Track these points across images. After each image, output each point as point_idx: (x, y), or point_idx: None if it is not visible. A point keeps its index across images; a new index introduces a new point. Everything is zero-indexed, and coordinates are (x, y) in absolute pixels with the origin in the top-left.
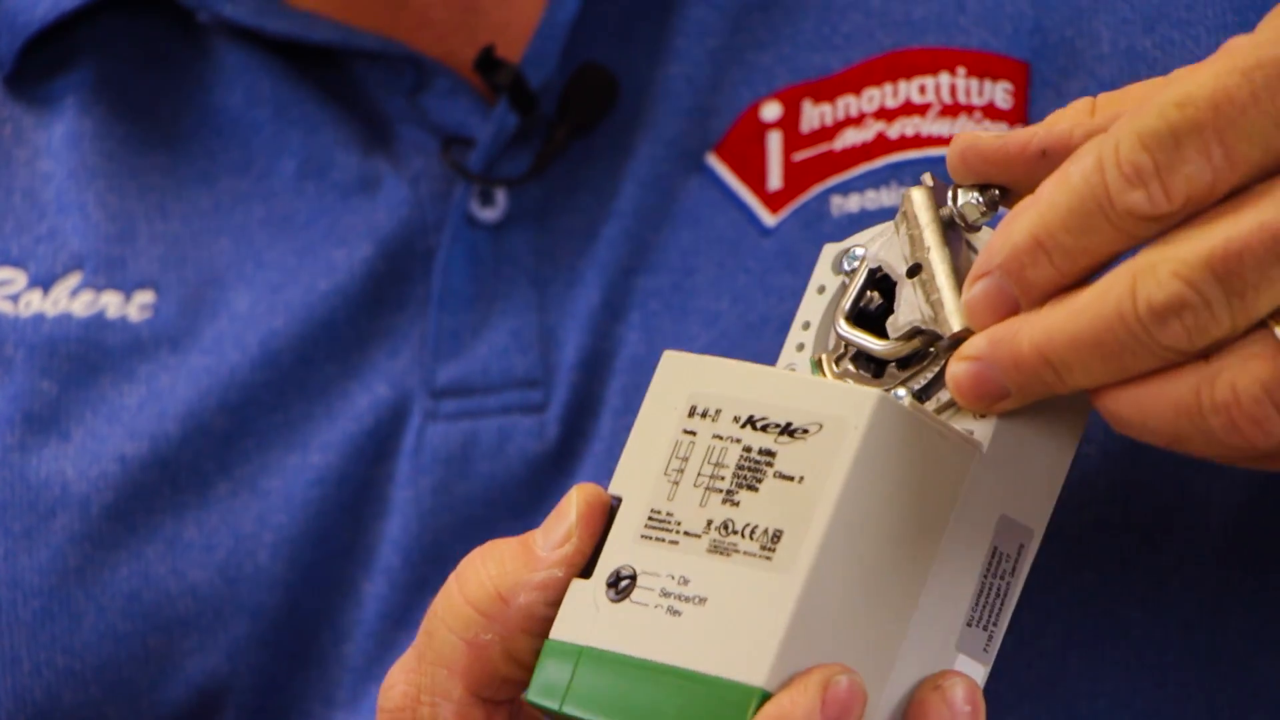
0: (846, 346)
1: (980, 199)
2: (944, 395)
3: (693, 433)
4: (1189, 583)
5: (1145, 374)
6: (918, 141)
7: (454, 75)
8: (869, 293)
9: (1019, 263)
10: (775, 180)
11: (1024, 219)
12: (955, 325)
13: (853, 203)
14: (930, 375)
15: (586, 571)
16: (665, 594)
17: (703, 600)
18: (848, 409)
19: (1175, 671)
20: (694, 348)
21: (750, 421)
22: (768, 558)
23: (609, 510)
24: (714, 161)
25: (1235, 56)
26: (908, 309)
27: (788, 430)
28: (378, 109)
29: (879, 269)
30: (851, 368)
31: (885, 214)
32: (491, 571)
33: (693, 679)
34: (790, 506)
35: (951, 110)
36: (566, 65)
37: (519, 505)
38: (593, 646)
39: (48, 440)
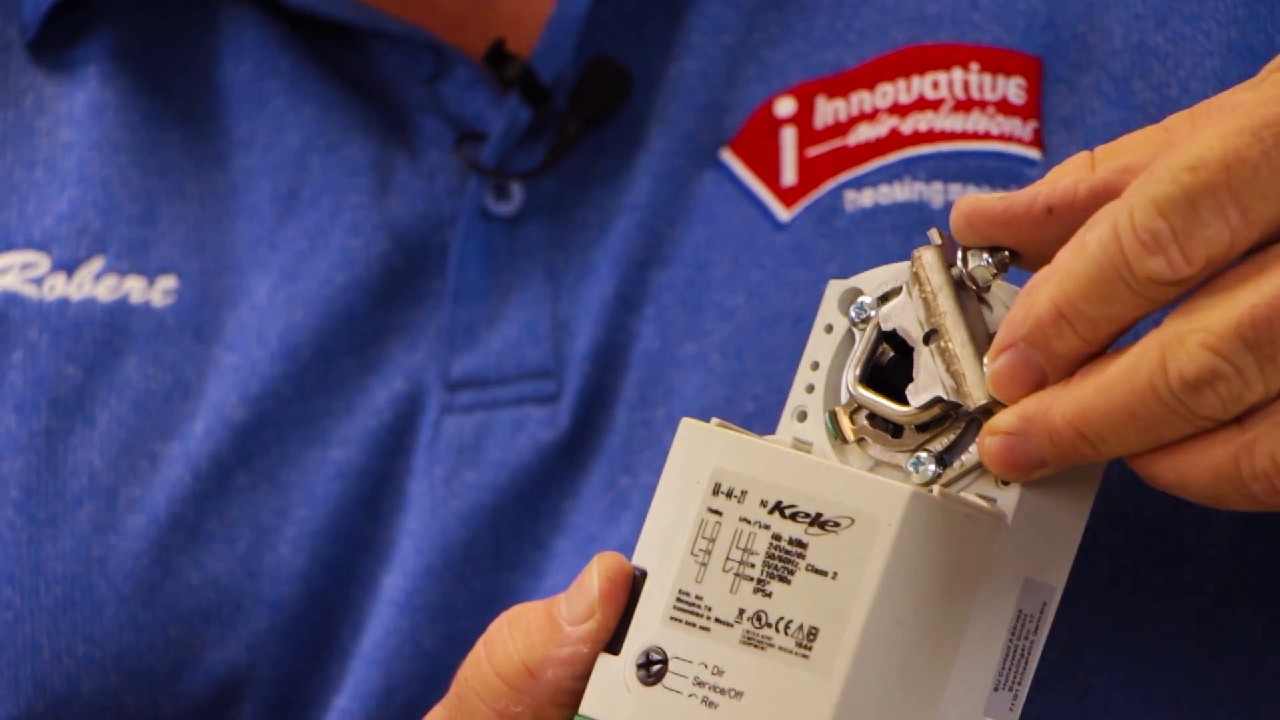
0: (862, 400)
1: (990, 260)
2: (966, 458)
3: (718, 512)
4: (1201, 573)
5: (1181, 440)
6: (931, 136)
7: (472, 65)
8: (881, 345)
9: (1043, 334)
10: (789, 175)
11: (1044, 290)
12: (981, 398)
13: (866, 197)
14: (951, 438)
15: (614, 645)
16: (699, 683)
17: (739, 694)
18: (880, 506)
19: (1189, 661)
20: (709, 342)
21: (779, 508)
22: (804, 655)
23: (632, 581)
24: (728, 157)
25: (1241, 115)
26: (928, 379)
27: (818, 522)
28: (395, 95)
29: (890, 331)
30: (868, 424)
31: (898, 209)
32: (519, 644)
33: None
34: (825, 603)
35: (965, 106)
36: (579, 59)
37: (530, 494)
38: None
39: (73, 425)
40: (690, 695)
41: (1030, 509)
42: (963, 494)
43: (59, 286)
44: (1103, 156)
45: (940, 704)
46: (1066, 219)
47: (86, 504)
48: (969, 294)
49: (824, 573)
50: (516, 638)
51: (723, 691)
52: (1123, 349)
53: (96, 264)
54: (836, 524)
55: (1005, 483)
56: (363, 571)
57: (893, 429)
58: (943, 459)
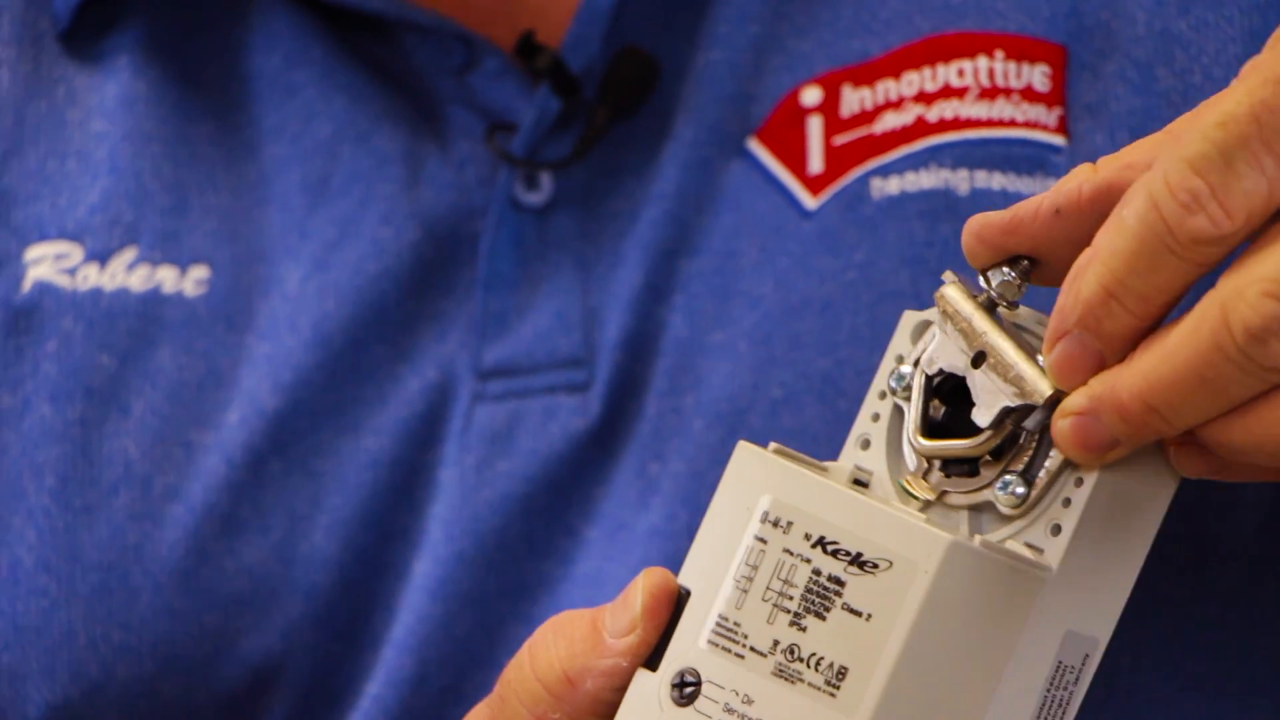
0: (930, 460)
1: (1013, 274)
2: (1050, 463)
3: (764, 540)
4: (1230, 554)
5: (1251, 400)
6: (956, 124)
7: (502, 55)
8: (933, 403)
9: (1094, 316)
10: (816, 164)
11: (1090, 272)
12: (1046, 389)
13: (893, 185)
14: (1028, 458)
15: (652, 662)
16: (729, 710)
17: None
18: (919, 552)
19: (1217, 643)
20: (737, 330)
21: (822, 543)
22: (832, 694)
23: (676, 598)
24: (755, 146)
25: (1264, 69)
26: (989, 397)
27: (858, 561)
28: (425, 86)
29: (936, 374)
30: (943, 476)
31: (924, 196)
32: (561, 652)
33: None
34: (856, 643)
35: (990, 93)
36: (607, 49)
37: (561, 482)
38: None
39: (108, 414)
40: None
41: (1078, 560)
42: (1009, 543)
43: (92, 276)
44: (1105, 163)
45: None
46: (1074, 218)
47: (122, 492)
48: (998, 317)
49: (859, 613)
50: (559, 645)
51: None
52: (1180, 317)
53: (129, 254)
54: (875, 565)
55: (1078, 480)
56: (395, 559)
57: (968, 468)
58: (1027, 476)
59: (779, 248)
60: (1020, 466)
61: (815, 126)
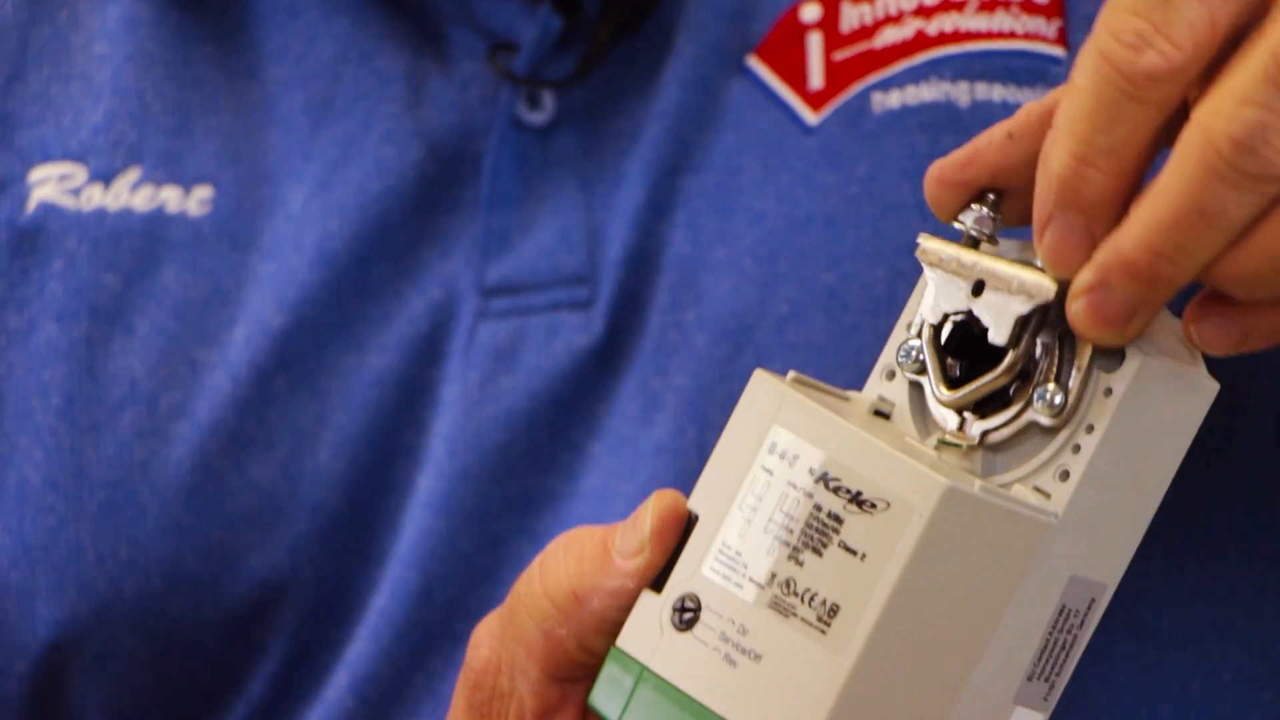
0: (962, 412)
1: (984, 208)
2: (1079, 361)
3: (770, 471)
4: (1235, 461)
5: (1255, 221)
6: (956, 37)
7: None
8: (948, 362)
9: (1071, 189)
10: (816, 80)
11: (1055, 148)
12: (1051, 284)
13: (893, 99)
14: (1055, 366)
15: (659, 584)
16: (725, 638)
17: (758, 657)
18: (916, 495)
19: (1222, 547)
20: (740, 246)
21: (824, 479)
22: (823, 631)
23: (684, 523)
24: (755, 63)
25: None
26: (998, 315)
27: (857, 500)
28: (427, 8)
29: (942, 323)
30: (977, 418)
31: (926, 109)
32: (570, 569)
33: None
34: (850, 582)
35: (989, 5)
36: None
37: (565, 398)
38: (653, 670)
39: (113, 333)
40: (714, 649)
41: (1084, 509)
42: (1016, 488)
43: (96, 197)
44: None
45: (964, 690)
46: (1027, 139)
47: (128, 410)
48: (984, 250)
49: (854, 552)
50: (569, 562)
51: (744, 651)
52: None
53: (133, 174)
54: (874, 505)
55: (1089, 428)
56: (400, 475)
57: (1002, 399)
58: (1060, 382)
59: (781, 164)
60: (1050, 378)
61: (815, 42)
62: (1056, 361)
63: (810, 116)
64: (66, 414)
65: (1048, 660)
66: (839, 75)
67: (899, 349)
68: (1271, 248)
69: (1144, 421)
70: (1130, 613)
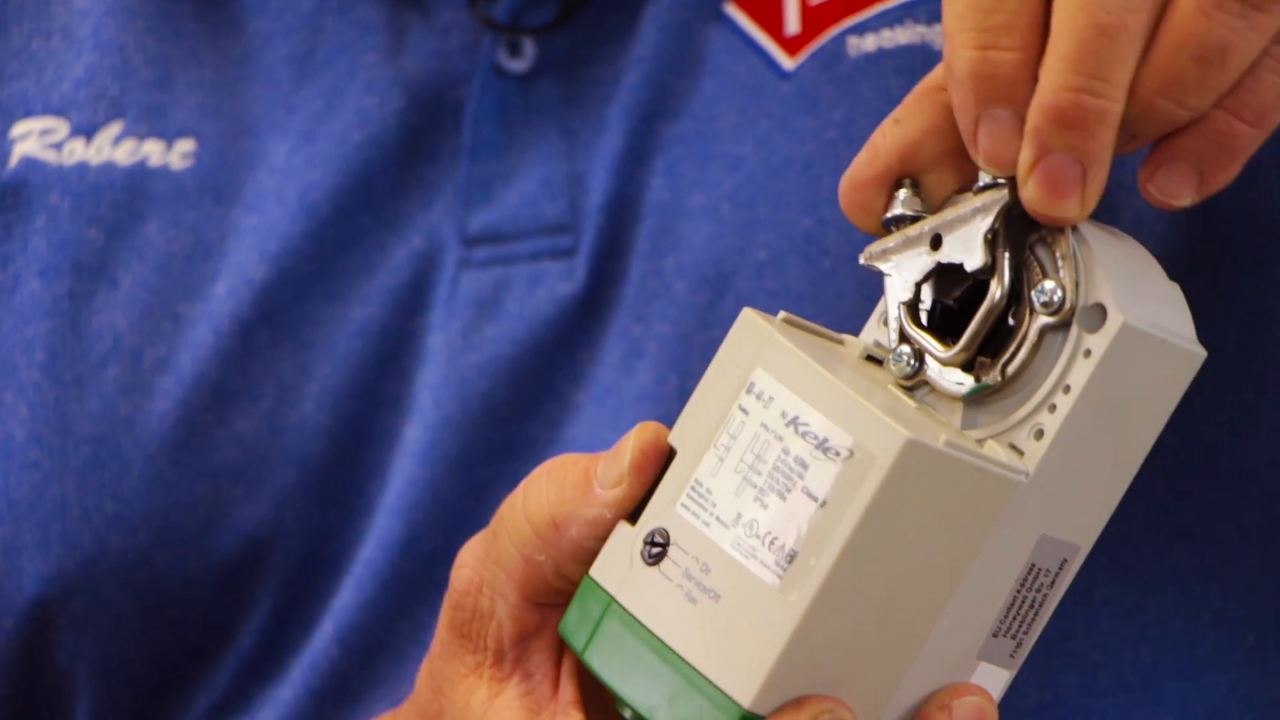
0: (972, 366)
1: (906, 191)
2: (1061, 250)
3: (746, 411)
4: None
5: (1158, 24)
6: None
7: None
8: (919, 305)
9: (985, 79)
10: (793, 25)
11: (956, 54)
12: (1005, 189)
13: (869, 42)
14: (1040, 266)
15: (635, 516)
16: (688, 576)
17: (717, 597)
18: (878, 445)
19: (1204, 490)
20: (719, 192)
21: (794, 423)
22: (779, 574)
23: (664, 456)
24: (732, 10)
25: None
26: (966, 244)
27: (822, 446)
28: None
29: (915, 298)
30: (988, 360)
31: (901, 51)
32: (551, 496)
33: (691, 674)
34: (809, 529)
35: None
36: None
37: (548, 347)
38: (619, 603)
39: (96, 288)
40: (678, 586)
41: (1057, 470)
42: (988, 444)
43: (78, 151)
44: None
45: (923, 646)
46: (914, 117)
47: (112, 365)
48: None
49: (816, 498)
50: (551, 489)
51: (704, 590)
52: None
53: (115, 128)
54: (838, 453)
55: (1066, 388)
56: (384, 426)
57: (1003, 335)
58: (1054, 276)
59: (758, 109)
60: (1040, 280)
61: None
62: (1039, 263)
63: (787, 62)
64: (50, 369)
65: (1014, 618)
66: (815, 20)
67: (889, 359)
68: (1179, 41)
69: (1124, 385)
70: (1111, 556)
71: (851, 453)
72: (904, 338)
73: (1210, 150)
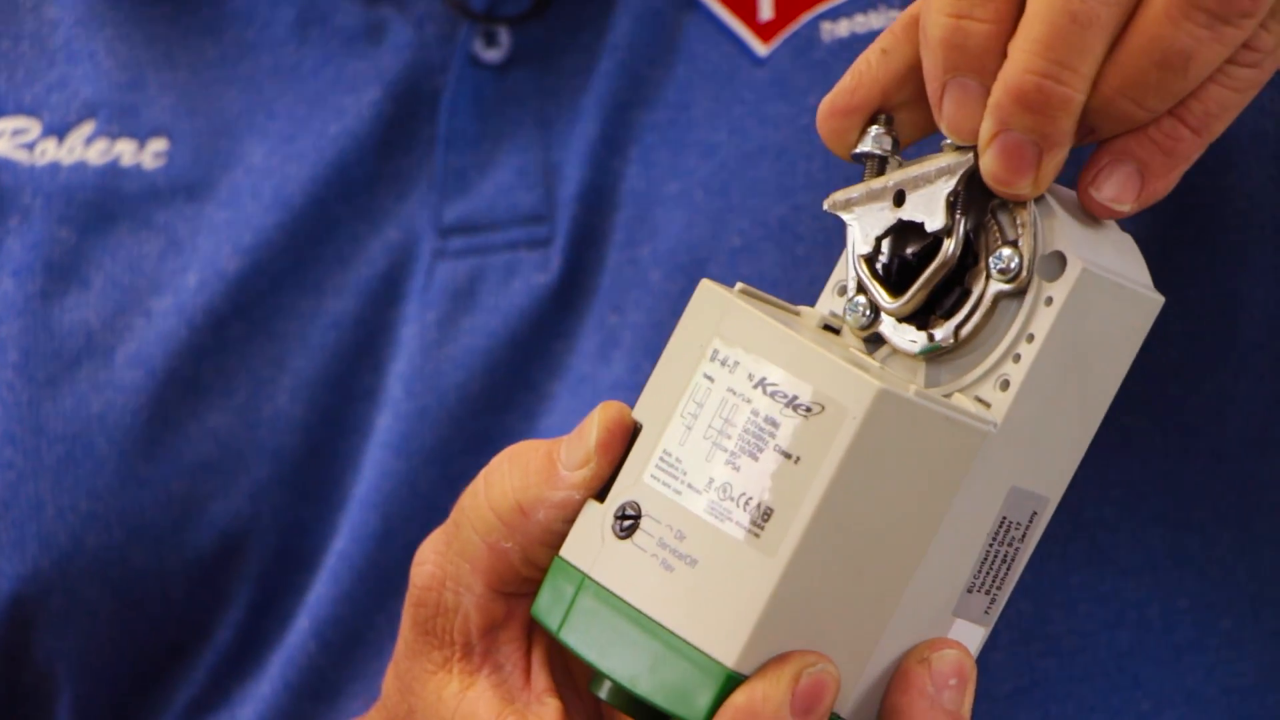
0: (925, 325)
1: (879, 127)
2: (1021, 217)
3: (711, 379)
4: (1189, 390)
5: (1129, 20)
6: None
7: None
8: (878, 266)
9: (955, 47)
10: (766, 11)
11: (930, 19)
12: (968, 152)
13: (842, 28)
14: (997, 231)
15: (603, 494)
16: (663, 544)
17: (694, 562)
18: (849, 397)
19: (1180, 475)
20: (693, 179)
21: (762, 384)
22: (756, 534)
23: (629, 433)
24: None
25: None
26: (927, 204)
27: (793, 404)
28: None
29: (875, 251)
30: (942, 320)
31: (875, 36)
32: (515, 482)
33: (672, 640)
34: (784, 485)
35: None
36: None
37: (524, 337)
38: (593, 578)
39: (69, 288)
40: (653, 555)
41: (1024, 420)
42: (956, 397)
43: (50, 151)
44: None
45: (901, 599)
46: (900, 49)
47: (85, 364)
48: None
49: (789, 455)
50: (514, 475)
51: (680, 556)
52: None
53: (87, 128)
54: (809, 409)
55: (1029, 336)
56: (359, 417)
57: (957, 292)
58: (1008, 241)
59: (732, 96)
60: (999, 245)
61: None
62: (998, 229)
63: (760, 48)
64: (23, 369)
65: (988, 572)
66: (788, 6)
67: (845, 308)
68: (1145, 44)
69: (1086, 331)
70: (1088, 541)
71: (823, 407)
72: (860, 288)
73: (1153, 155)
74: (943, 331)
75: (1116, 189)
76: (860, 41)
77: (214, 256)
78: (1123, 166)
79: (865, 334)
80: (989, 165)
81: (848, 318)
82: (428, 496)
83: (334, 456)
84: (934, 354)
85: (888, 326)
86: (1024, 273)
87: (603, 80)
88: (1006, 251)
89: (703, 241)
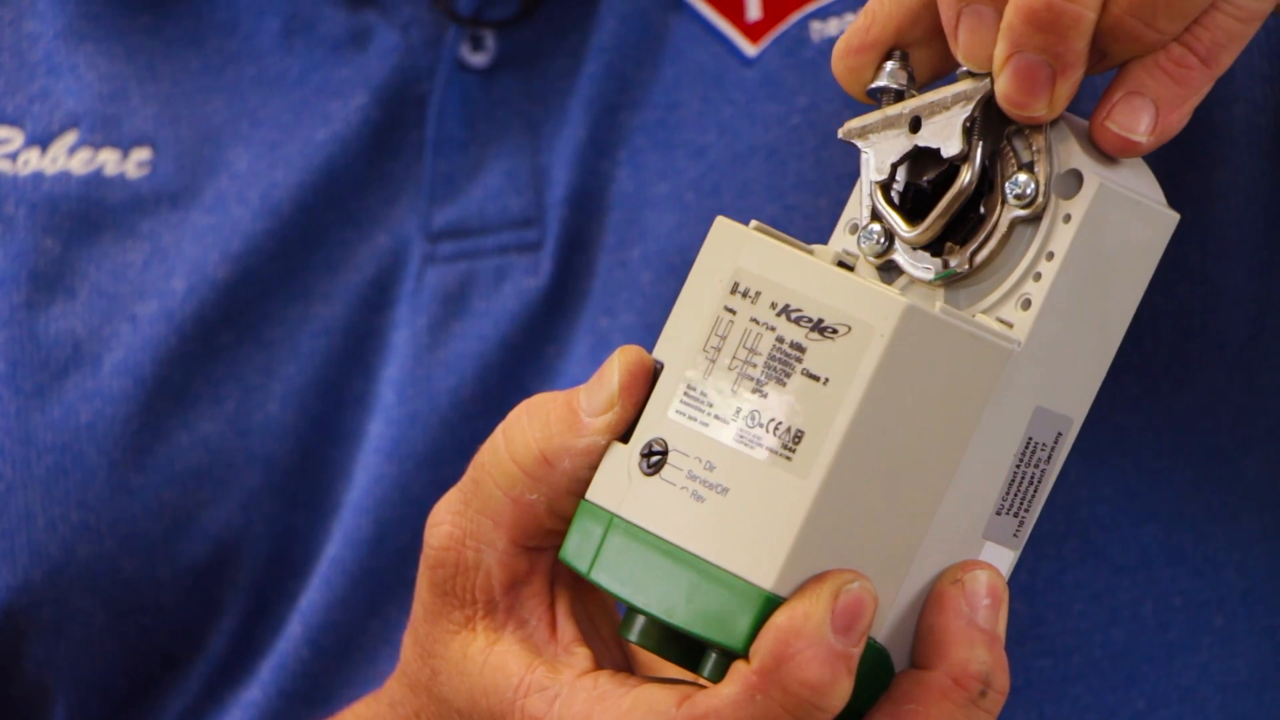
0: (941, 252)
1: (894, 64)
2: (1037, 144)
3: (733, 311)
4: (1185, 386)
5: None
6: None
7: None
8: (893, 194)
9: None
10: (754, 11)
11: None
12: (985, 79)
13: (831, 27)
14: (1013, 159)
15: (627, 436)
16: (692, 476)
17: (725, 490)
18: (876, 315)
19: (1174, 473)
20: (683, 181)
21: (786, 311)
22: (788, 458)
23: (651, 374)
24: None
25: None
26: (944, 130)
27: (819, 327)
28: None
29: (890, 179)
30: (958, 246)
31: None
32: (537, 433)
33: (707, 568)
34: (813, 407)
35: None
36: None
37: (515, 341)
38: (622, 516)
39: (54, 298)
40: (682, 488)
41: (1047, 338)
42: (978, 317)
43: (33, 161)
44: None
45: (932, 520)
46: None
47: (72, 373)
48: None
49: (817, 378)
50: (535, 426)
51: (711, 486)
52: None
53: (70, 138)
54: (835, 330)
55: (1049, 254)
56: (350, 424)
57: (974, 223)
58: (1025, 168)
59: (721, 97)
60: (1014, 171)
61: None
62: (1014, 155)
63: (749, 48)
64: (10, 380)
65: (1016, 494)
66: (777, 5)
67: (859, 236)
68: None
69: (1104, 248)
70: (1081, 539)
71: (849, 327)
72: (875, 215)
73: (1165, 85)
74: (958, 258)
75: (1129, 117)
76: None
77: (202, 264)
78: (1136, 98)
79: (880, 262)
80: (1004, 88)
81: (862, 244)
82: (420, 501)
83: (325, 463)
84: (950, 280)
85: (902, 255)
86: (1039, 198)
87: (590, 83)
88: (1022, 177)
89: (693, 243)
